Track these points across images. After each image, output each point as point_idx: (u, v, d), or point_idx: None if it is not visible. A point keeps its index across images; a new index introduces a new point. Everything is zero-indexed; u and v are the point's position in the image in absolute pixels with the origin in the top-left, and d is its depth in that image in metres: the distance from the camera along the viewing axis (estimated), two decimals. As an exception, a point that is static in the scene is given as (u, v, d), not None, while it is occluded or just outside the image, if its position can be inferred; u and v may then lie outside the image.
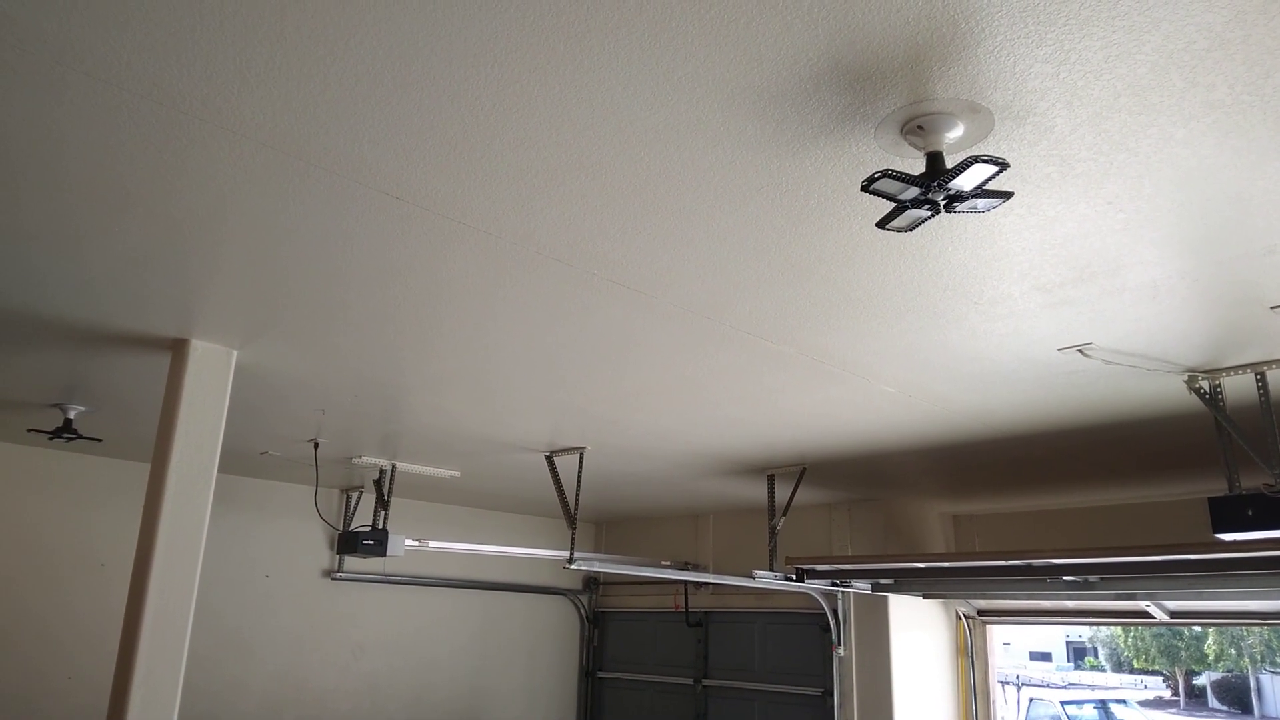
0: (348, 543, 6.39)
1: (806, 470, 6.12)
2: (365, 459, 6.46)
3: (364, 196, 2.57)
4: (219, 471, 3.93)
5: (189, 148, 2.34)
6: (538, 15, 1.81)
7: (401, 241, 2.87)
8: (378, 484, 6.81)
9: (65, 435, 5.34)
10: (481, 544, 7.63)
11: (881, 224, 2.31)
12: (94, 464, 6.88)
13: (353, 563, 7.96)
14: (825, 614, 7.23)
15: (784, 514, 6.34)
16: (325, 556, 7.95)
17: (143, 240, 2.92)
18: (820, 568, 6.23)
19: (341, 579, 7.94)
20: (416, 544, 6.46)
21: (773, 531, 6.31)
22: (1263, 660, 26.94)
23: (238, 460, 6.76)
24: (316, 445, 6.03)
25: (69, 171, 2.49)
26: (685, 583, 8.55)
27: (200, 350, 3.92)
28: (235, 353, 4.03)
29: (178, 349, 3.93)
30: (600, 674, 9.36)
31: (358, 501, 7.98)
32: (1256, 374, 3.68)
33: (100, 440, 6.05)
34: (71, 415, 5.33)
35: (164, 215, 2.74)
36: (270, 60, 1.97)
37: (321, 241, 2.89)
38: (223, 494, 7.13)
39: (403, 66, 1.98)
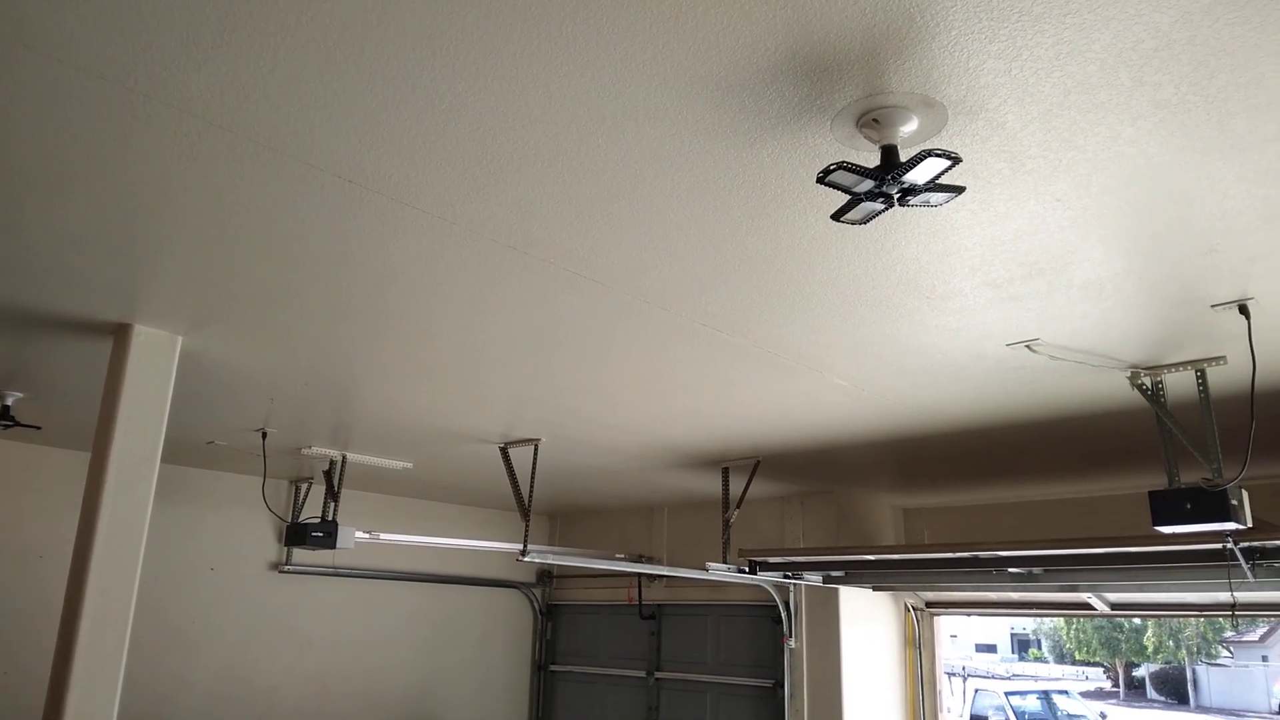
0: (296, 535, 6.30)
1: (761, 463, 6.15)
2: (315, 450, 6.36)
3: (315, 179, 2.52)
4: (163, 461, 3.83)
5: (133, 126, 2.27)
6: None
7: (354, 226, 2.82)
8: (328, 475, 6.72)
9: (2, 423, 5.19)
10: (433, 536, 7.57)
11: (836, 216, 2.32)
12: (32, 452, 6.68)
13: (301, 555, 7.83)
14: (777, 606, 7.29)
15: (738, 506, 6.38)
16: (273, 549, 7.82)
17: (85, 221, 2.84)
18: (773, 560, 6.28)
19: (289, 572, 7.82)
20: (367, 536, 6.39)
21: (726, 524, 6.34)
22: (1199, 652, 27.79)
23: (183, 450, 6.61)
24: (265, 435, 5.92)
25: (8, 149, 2.41)
26: (639, 575, 8.57)
27: (144, 336, 3.82)
28: (180, 339, 3.93)
29: (120, 334, 3.83)
30: (553, 667, 9.34)
31: (307, 493, 7.85)
32: (1197, 371, 3.77)
33: (39, 428, 5.88)
34: (9, 402, 5.18)
35: (107, 196, 2.66)
36: (218, 36, 1.92)
37: (271, 225, 2.83)
38: (166, 484, 6.96)
39: (355, 47, 1.94)
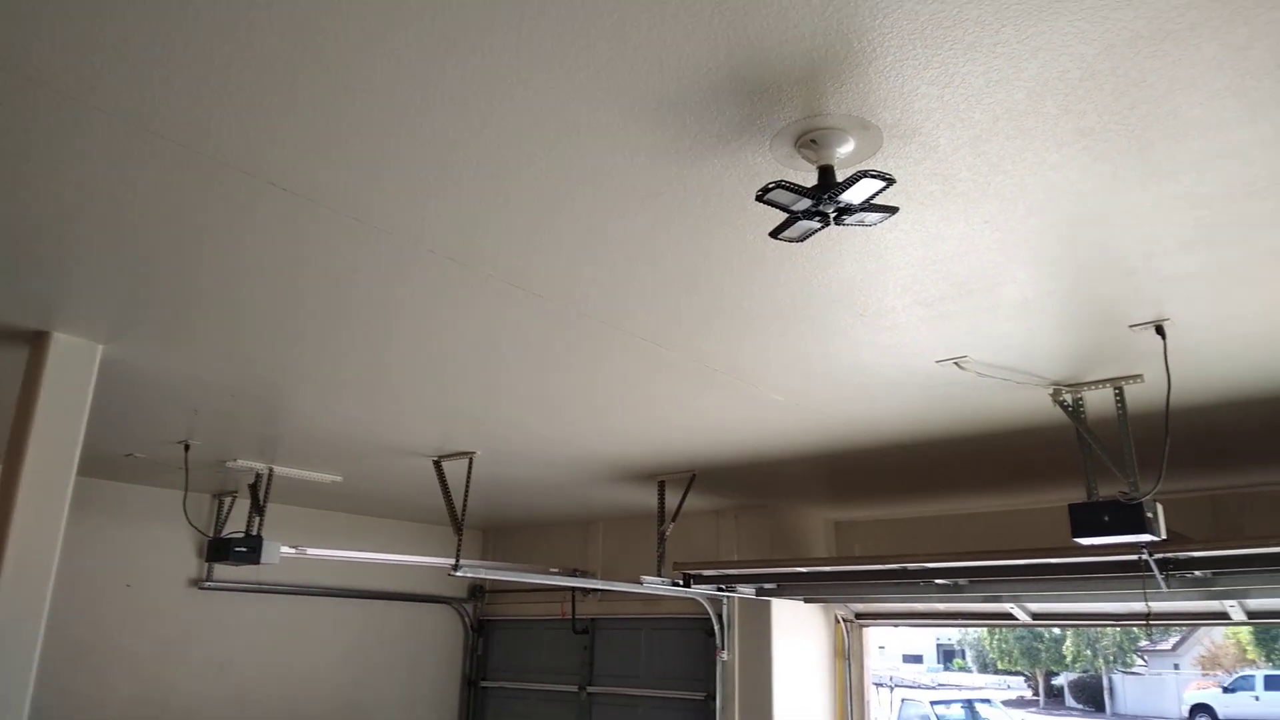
0: (219, 550, 6.11)
1: (696, 477, 6.18)
2: (240, 462, 6.18)
3: (239, 182, 2.46)
4: (79, 474, 3.69)
5: (51, 125, 2.19)
6: (431, 6, 1.77)
7: (282, 233, 2.76)
8: (253, 488, 6.54)
9: (-97, 434, 4.93)
10: (363, 551, 7.42)
11: (774, 234, 2.36)
12: (-64, 465, 6.37)
13: (223, 571, 7.60)
14: (710, 619, 7.32)
15: (673, 520, 6.39)
16: (193, 565, 7.57)
17: (-1, 224, 2.72)
18: (707, 573, 6.31)
19: (211, 588, 7.58)
20: (293, 551, 6.23)
21: (662, 538, 6.35)
22: (1115, 661, 28.74)
23: (99, 463, 6.37)
24: (187, 447, 5.74)
25: (-84, 146, 2.30)
26: (573, 589, 8.52)
27: (62, 344, 3.68)
28: (101, 347, 3.80)
29: (37, 342, 3.68)
30: (484, 683, 9.23)
31: (230, 507, 7.62)
32: (1115, 389, 3.92)
33: (-56, 440, 5.60)
34: (-89, 412, 4.93)
35: (15, 196, 2.56)
36: (127, 26, 1.86)
37: (195, 231, 2.75)
38: (82, 498, 6.69)
39: (288, 49, 1.90)
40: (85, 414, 3.72)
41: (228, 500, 7.64)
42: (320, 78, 1.99)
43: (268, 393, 4.48)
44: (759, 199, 2.19)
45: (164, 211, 2.63)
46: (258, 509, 6.45)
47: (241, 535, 6.14)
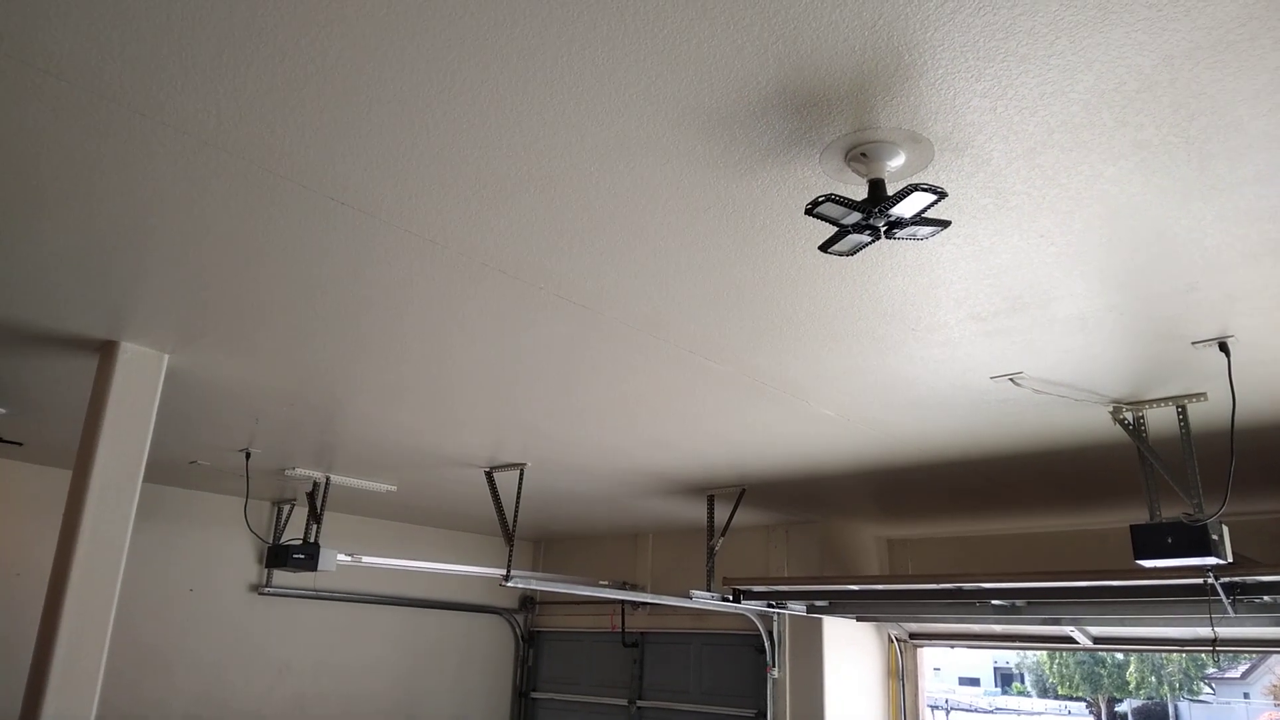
0: (277, 556, 6.24)
1: (746, 491, 6.15)
2: (299, 471, 6.32)
3: (304, 198, 2.53)
4: (144, 480, 3.80)
5: (118, 143, 2.28)
6: (491, 27, 1.81)
7: (344, 247, 2.83)
8: (311, 497, 6.68)
9: (-17, 439, 5.15)
10: (416, 560, 7.52)
11: (824, 247, 2.35)
12: (13, 469, 6.62)
13: (282, 577, 7.76)
14: (760, 635, 7.26)
15: (723, 535, 6.37)
16: (253, 570, 7.75)
17: (68, 239, 2.84)
18: (757, 589, 6.26)
19: (270, 594, 7.74)
20: (349, 559, 6.34)
21: (711, 552, 6.33)
22: (1181, 688, 27.76)
23: (164, 469, 6.56)
24: (248, 455, 5.88)
25: (-2, 164, 2.41)
26: (623, 602, 8.52)
27: (130, 353, 3.81)
28: (167, 357, 3.92)
29: (106, 351, 3.82)
30: (534, 694, 9.26)
31: (289, 514, 7.79)
32: (1178, 407, 3.81)
33: (21, 444, 5.83)
34: (-10, 418, 5.14)
35: (91, 213, 2.66)
36: (214, 57, 1.93)
37: (258, 243, 2.84)
38: (147, 504, 6.89)
39: (352, 71, 1.96)
40: (151, 422, 3.83)
41: (287, 508, 7.81)
42: (386, 101, 2.05)
43: (326, 402, 4.58)
44: (808, 212, 2.19)
45: (230, 225, 2.72)
46: (315, 517, 6.58)
47: (299, 542, 6.27)
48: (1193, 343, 3.21)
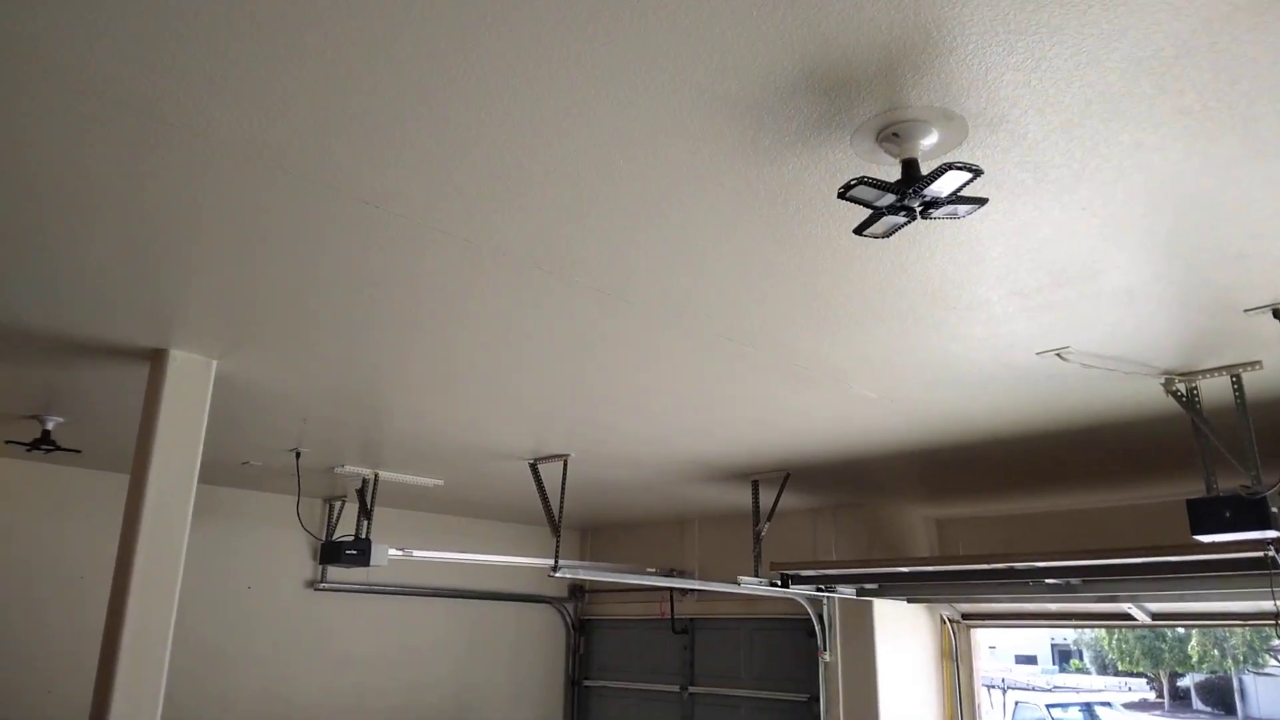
0: (331, 553, 6.35)
1: (790, 476, 6.13)
2: (347, 468, 6.42)
3: (338, 202, 2.57)
4: (199, 482, 3.90)
5: (159, 153, 2.33)
6: (512, 17, 1.81)
7: (378, 248, 2.86)
8: (360, 493, 6.78)
9: (43, 447, 5.29)
10: (466, 553, 7.61)
11: (859, 230, 2.32)
12: (73, 475, 6.82)
13: (336, 573, 7.91)
14: (810, 619, 7.24)
15: (768, 520, 6.35)
16: (308, 567, 7.91)
17: (115, 249, 2.90)
18: (805, 573, 6.24)
19: (325, 589, 7.90)
20: (400, 553, 6.44)
21: (758, 537, 6.32)
22: (1245, 661, 27.13)
23: (218, 470, 6.71)
24: (298, 455, 5.99)
25: (35, 178, 2.47)
26: (671, 589, 8.55)
27: (179, 360, 3.90)
28: (215, 362, 4.00)
29: (156, 359, 3.91)
30: (586, 682, 9.34)
31: (340, 511, 7.94)
32: (1232, 376, 3.72)
33: (79, 451, 5.99)
34: (50, 427, 5.29)
35: (136, 223, 2.72)
36: (245, 64, 1.96)
37: (298, 249, 2.88)
38: (202, 504, 6.99)
39: (371, 68, 1.98)
40: (203, 425, 3.93)
41: (338, 505, 7.96)
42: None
43: (373, 400, 4.65)
44: (841, 196, 2.16)
45: (278, 236, 2.76)
46: (365, 512, 6.69)
47: (351, 538, 6.37)
48: (1245, 310, 3.13)
